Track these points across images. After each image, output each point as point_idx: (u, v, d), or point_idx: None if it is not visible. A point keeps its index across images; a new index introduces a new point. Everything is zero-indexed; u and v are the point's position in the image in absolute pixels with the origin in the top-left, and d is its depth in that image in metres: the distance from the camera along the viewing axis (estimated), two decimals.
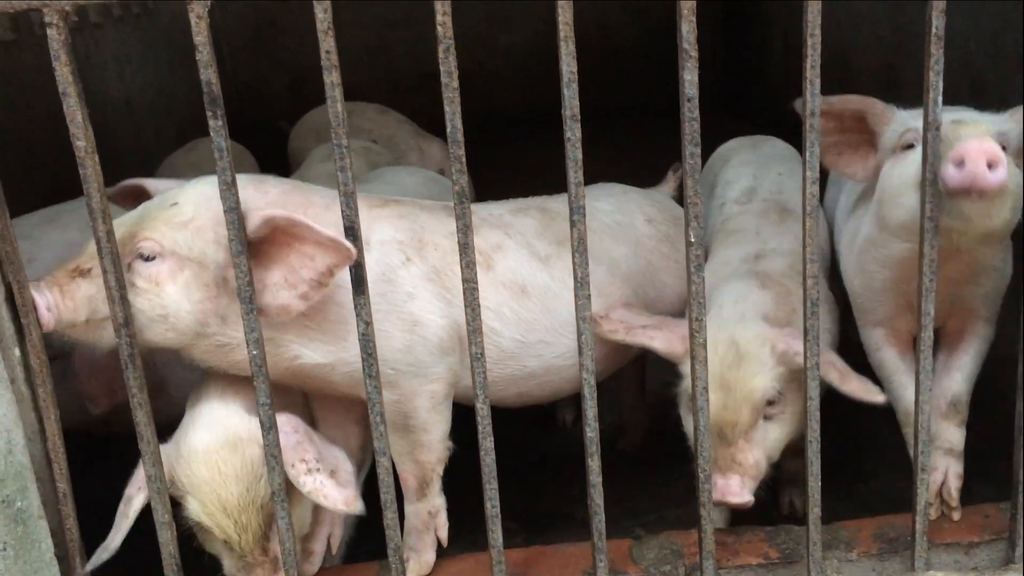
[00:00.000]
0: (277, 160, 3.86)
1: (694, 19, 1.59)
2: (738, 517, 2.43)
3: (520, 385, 2.14)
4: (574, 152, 1.65)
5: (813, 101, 1.65)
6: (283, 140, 4.71)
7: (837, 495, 2.37)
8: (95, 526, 1.91)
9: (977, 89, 4.28)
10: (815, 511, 1.86)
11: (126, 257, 1.77)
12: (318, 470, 1.87)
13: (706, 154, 3.00)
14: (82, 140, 1.58)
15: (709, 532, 1.86)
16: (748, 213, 2.54)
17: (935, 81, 1.66)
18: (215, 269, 1.79)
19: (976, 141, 1.72)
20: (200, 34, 1.52)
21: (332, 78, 1.56)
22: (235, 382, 1.94)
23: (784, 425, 2.09)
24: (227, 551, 1.89)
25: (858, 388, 2.04)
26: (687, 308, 1.78)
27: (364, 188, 2.32)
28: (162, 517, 1.77)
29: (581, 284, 1.71)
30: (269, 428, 1.73)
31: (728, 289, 2.23)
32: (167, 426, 1.94)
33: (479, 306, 1.70)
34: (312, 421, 2.14)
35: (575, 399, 2.77)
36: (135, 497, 1.87)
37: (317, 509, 2.12)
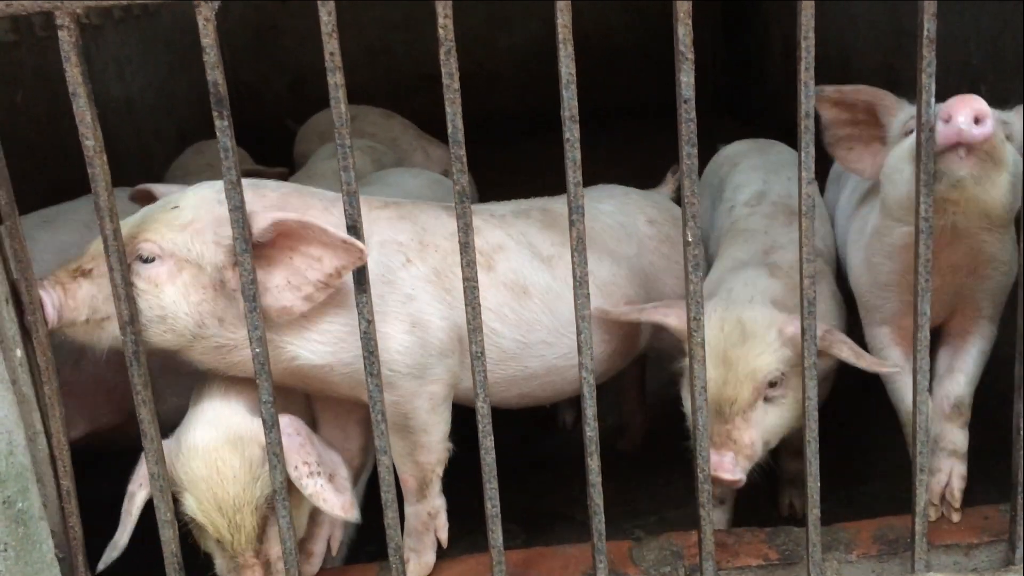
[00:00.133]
0: (277, 161, 3.87)
1: (690, 22, 1.60)
2: (738, 519, 2.43)
3: (522, 386, 2.14)
4: (573, 153, 1.65)
5: (808, 103, 1.66)
6: (283, 141, 4.73)
7: (837, 496, 2.38)
8: (97, 526, 1.92)
9: (976, 91, 4.27)
10: (814, 512, 1.87)
11: (126, 259, 1.77)
12: (319, 473, 1.88)
13: (705, 155, 3.00)
14: (91, 140, 1.60)
15: (709, 533, 1.87)
16: (757, 215, 2.56)
17: (928, 83, 1.68)
18: (213, 271, 1.80)
19: (963, 97, 1.74)
20: (207, 36, 1.54)
21: (336, 79, 1.57)
22: (238, 382, 1.95)
23: (784, 410, 2.08)
24: (219, 550, 1.90)
25: (872, 362, 2.05)
26: (677, 313, 1.78)
27: (366, 190, 2.32)
28: (164, 515, 1.78)
29: (580, 283, 1.72)
30: (272, 426, 1.74)
31: (738, 276, 2.25)
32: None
33: (479, 305, 1.71)
34: (313, 422, 2.14)
35: (576, 400, 2.77)
36: (137, 493, 1.88)
37: (317, 511, 2.13)
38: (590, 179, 2.22)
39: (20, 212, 1.71)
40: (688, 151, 1.67)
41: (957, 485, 2.10)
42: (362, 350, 1.71)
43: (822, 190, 2.85)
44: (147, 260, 1.79)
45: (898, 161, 1.95)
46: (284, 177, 3.27)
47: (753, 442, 2.04)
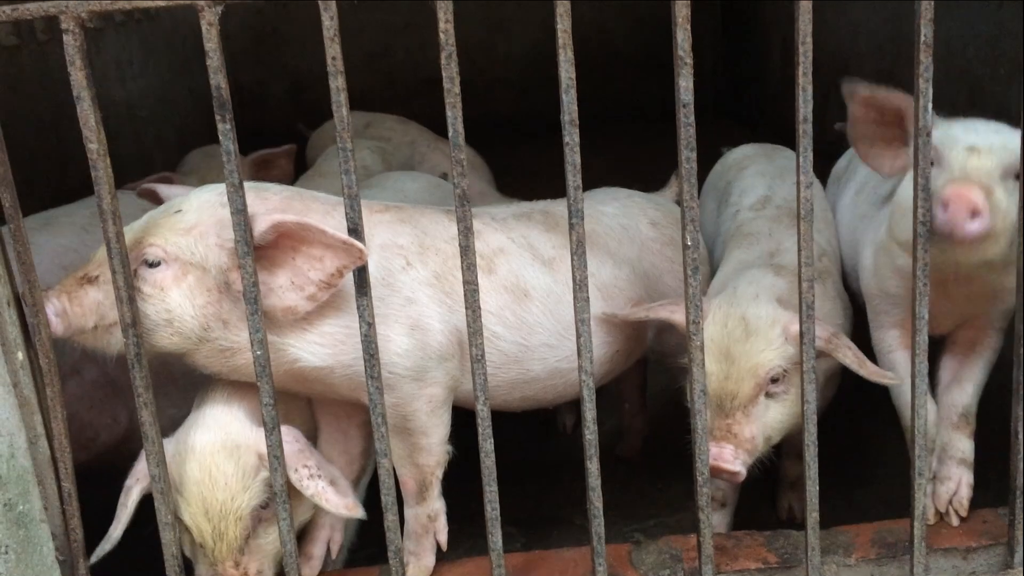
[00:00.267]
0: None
1: (689, 27, 1.61)
2: (737, 522, 2.44)
3: (524, 389, 2.15)
4: (573, 156, 1.66)
5: (806, 107, 1.67)
6: (284, 144, 4.73)
7: (836, 500, 2.38)
8: (98, 529, 1.92)
9: (975, 96, 4.29)
10: (813, 516, 1.87)
11: (132, 264, 1.79)
12: (319, 476, 1.89)
13: (705, 159, 3.01)
14: (95, 143, 1.60)
15: (708, 537, 1.87)
16: (761, 218, 2.58)
17: (925, 88, 1.69)
18: (217, 274, 1.81)
19: (962, 190, 1.77)
20: (211, 40, 1.55)
21: (338, 83, 1.58)
22: (241, 388, 1.96)
23: (786, 406, 2.09)
24: (201, 556, 1.90)
25: (874, 371, 2.06)
26: (684, 310, 1.79)
27: (365, 193, 2.33)
28: (165, 518, 1.78)
29: (580, 287, 1.73)
30: (272, 428, 1.74)
31: (743, 275, 2.27)
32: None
33: (480, 308, 1.72)
34: (314, 428, 2.15)
35: (576, 404, 2.78)
36: (134, 488, 1.89)
37: (317, 514, 2.13)
38: (590, 183, 2.23)
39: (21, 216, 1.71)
40: (687, 155, 1.68)
41: (965, 493, 2.11)
42: (363, 353, 1.72)
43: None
44: (153, 264, 1.81)
45: (908, 200, 1.92)
46: (292, 154, 3.30)
47: (753, 436, 2.05)
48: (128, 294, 1.68)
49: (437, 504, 2.09)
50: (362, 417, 2.11)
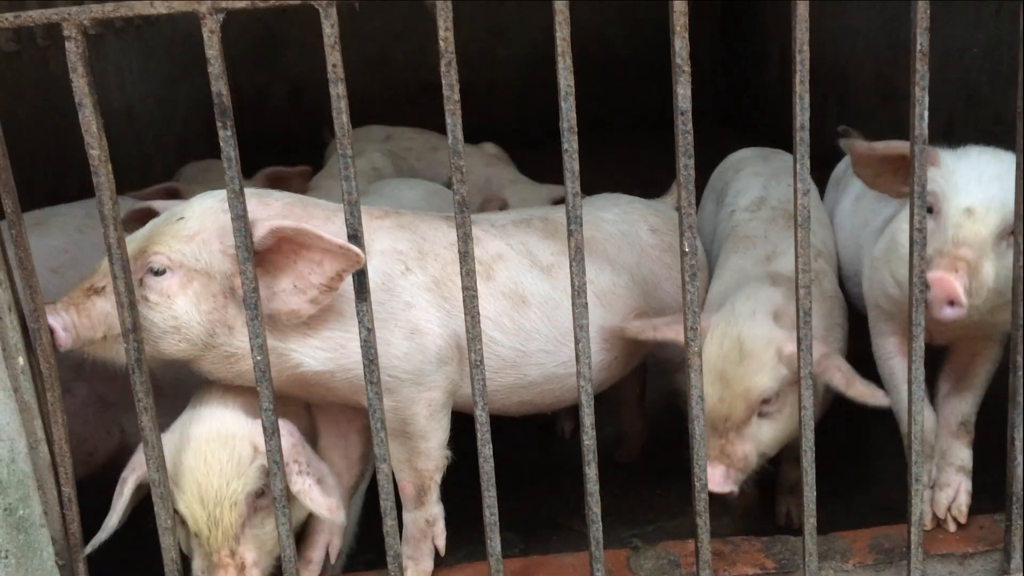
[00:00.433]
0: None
1: (686, 35, 1.62)
2: (735, 528, 2.44)
3: (521, 394, 2.16)
4: (571, 163, 1.67)
5: (803, 115, 1.69)
6: (284, 150, 4.74)
7: (833, 506, 2.38)
8: (94, 534, 1.92)
9: (973, 103, 4.31)
10: (811, 521, 1.88)
11: (137, 272, 1.81)
12: (308, 474, 1.91)
13: (703, 165, 3.03)
14: (96, 149, 1.61)
15: (706, 542, 1.87)
16: (757, 220, 2.60)
17: (921, 96, 1.70)
18: (222, 279, 1.83)
19: (944, 278, 1.82)
20: (212, 47, 1.56)
21: (338, 90, 1.59)
22: (237, 389, 1.96)
23: (779, 423, 2.13)
24: (197, 548, 1.89)
25: (863, 392, 2.07)
26: (683, 316, 1.79)
27: (363, 201, 2.34)
28: (165, 522, 1.78)
29: (579, 293, 1.74)
30: (272, 433, 1.75)
31: (741, 289, 2.29)
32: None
33: (478, 314, 1.72)
34: (313, 431, 2.15)
35: (574, 409, 2.79)
36: (129, 478, 1.90)
37: (315, 519, 2.14)
38: (589, 190, 2.24)
39: None
40: (685, 162, 1.69)
41: (964, 500, 2.12)
42: (362, 358, 1.73)
43: (821, 194, 2.89)
44: (158, 272, 1.82)
45: (904, 247, 1.92)
46: (307, 176, 3.31)
47: (746, 455, 2.10)
48: (129, 300, 1.69)
49: (435, 509, 2.10)
50: (362, 422, 2.12)
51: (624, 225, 2.40)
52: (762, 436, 2.13)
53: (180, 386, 2.10)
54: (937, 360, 2.25)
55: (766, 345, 2.11)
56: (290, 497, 1.85)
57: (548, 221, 2.27)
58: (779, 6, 6.47)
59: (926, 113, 1.72)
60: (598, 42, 7.50)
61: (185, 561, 1.89)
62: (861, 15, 5.45)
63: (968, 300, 1.83)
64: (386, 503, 1.80)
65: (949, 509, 2.12)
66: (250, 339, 1.71)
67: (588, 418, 1.79)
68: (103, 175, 1.63)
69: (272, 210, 1.90)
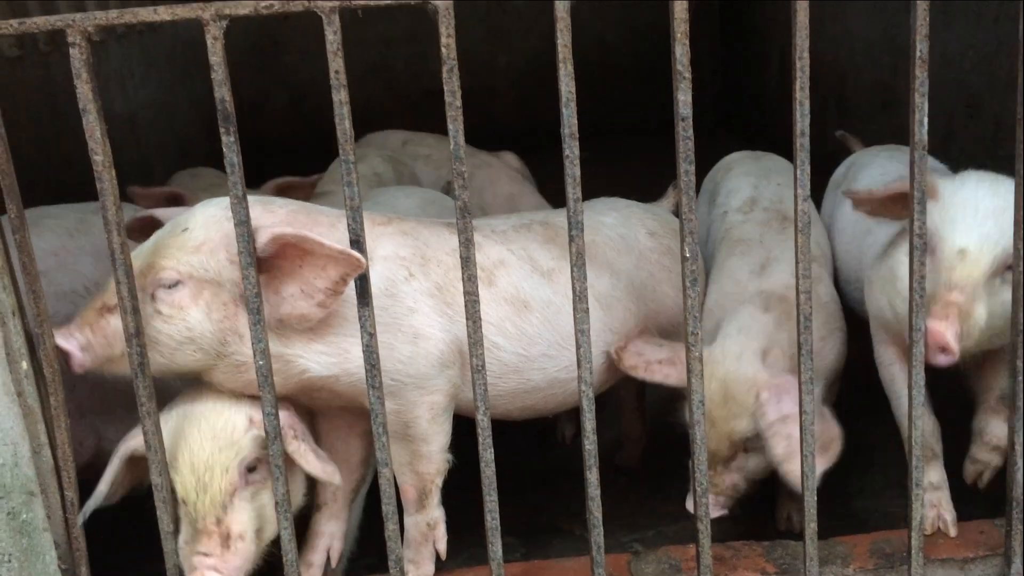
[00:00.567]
0: (275, 174, 3.90)
1: (687, 42, 1.63)
2: (735, 532, 2.44)
3: (524, 398, 2.17)
4: (572, 169, 1.68)
5: (803, 121, 1.69)
6: (286, 156, 4.75)
7: (834, 510, 2.39)
8: (100, 538, 1.93)
9: (973, 109, 4.32)
10: (812, 526, 1.88)
11: (148, 287, 1.84)
12: (304, 440, 1.94)
13: (704, 170, 3.04)
14: (100, 155, 1.62)
15: (707, 547, 1.88)
16: (751, 222, 2.62)
17: (921, 102, 1.71)
18: (231, 287, 1.84)
19: (936, 328, 1.86)
20: (215, 54, 1.57)
21: (340, 96, 1.60)
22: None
23: (765, 456, 2.18)
24: (184, 517, 1.88)
25: (792, 475, 2.07)
26: (683, 322, 1.80)
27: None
28: (167, 526, 1.79)
29: (580, 298, 1.74)
30: (275, 438, 1.75)
31: (734, 317, 2.32)
32: None
33: (480, 319, 1.73)
34: (315, 435, 2.16)
35: (575, 414, 2.79)
36: (122, 447, 1.91)
37: (317, 522, 2.15)
38: (588, 196, 2.24)
39: None
40: (686, 168, 1.70)
41: (988, 476, 2.17)
42: (364, 363, 1.74)
43: (819, 198, 2.91)
44: (170, 286, 1.84)
45: (904, 281, 1.97)
46: (315, 186, 3.30)
47: (734, 484, 2.22)
48: (132, 304, 1.69)
49: (437, 512, 2.10)
50: (363, 426, 2.13)
51: (623, 228, 2.42)
52: (749, 466, 2.22)
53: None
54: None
55: (748, 390, 2.17)
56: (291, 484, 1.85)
57: (548, 226, 2.28)
58: (778, 11, 6.49)
59: (926, 119, 1.73)
60: (598, 48, 7.52)
61: None
62: (860, 21, 5.47)
63: (960, 344, 1.88)
64: (387, 507, 1.80)
65: (976, 484, 2.15)
66: (252, 343, 1.72)
67: (589, 423, 1.80)
68: (107, 180, 1.64)
69: (276, 217, 1.92)
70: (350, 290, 1.79)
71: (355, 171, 1.66)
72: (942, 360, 1.89)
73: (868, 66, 5.44)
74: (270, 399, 1.74)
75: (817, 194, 2.88)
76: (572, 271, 1.74)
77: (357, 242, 1.70)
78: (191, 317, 1.84)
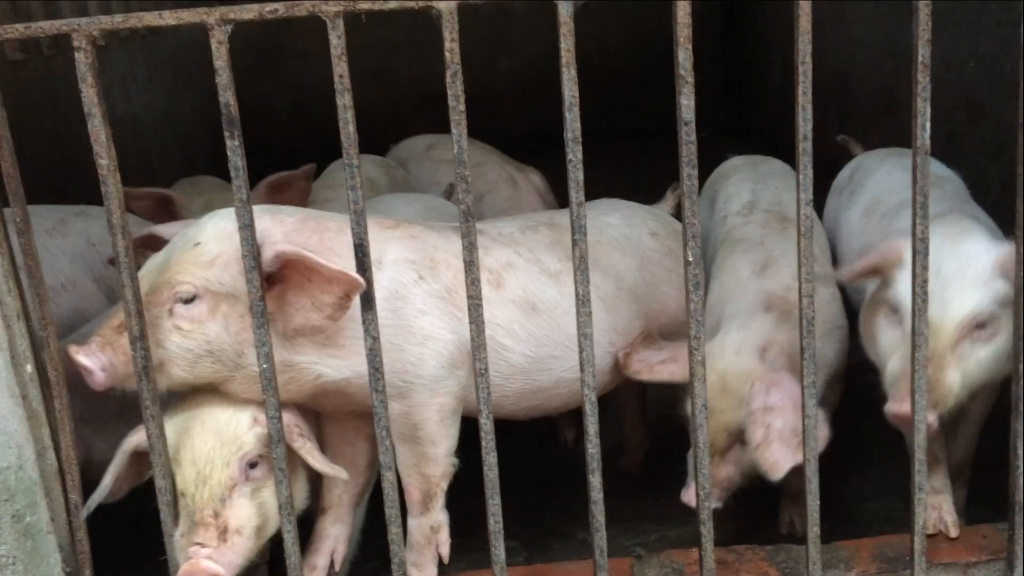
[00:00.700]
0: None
1: (690, 46, 1.63)
2: (738, 537, 2.44)
3: (531, 399, 2.18)
4: (575, 173, 1.69)
5: (805, 125, 1.70)
6: (288, 160, 4.74)
7: (836, 514, 2.39)
8: (104, 541, 1.93)
9: (974, 113, 4.32)
10: (814, 530, 1.88)
11: (165, 303, 1.85)
12: (308, 438, 1.95)
13: (706, 174, 3.05)
14: (105, 159, 1.63)
15: (709, 551, 1.88)
16: (751, 223, 2.66)
17: (923, 107, 1.71)
18: (247, 299, 1.84)
19: (900, 414, 1.92)
20: (220, 58, 1.58)
21: (345, 101, 1.61)
22: None
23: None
24: (182, 510, 1.87)
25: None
26: (686, 326, 1.80)
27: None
28: (171, 530, 1.79)
29: (583, 302, 1.75)
30: (278, 441, 1.76)
31: (735, 314, 2.35)
32: None
33: (483, 322, 1.74)
34: (322, 439, 2.16)
35: (577, 418, 2.79)
36: (127, 442, 1.92)
37: (321, 525, 2.15)
38: (590, 199, 2.25)
39: None
40: (688, 172, 1.71)
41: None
42: (368, 366, 1.74)
43: (820, 202, 2.93)
44: (187, 301, 1.86)
45: (884, 360, 2.06)
46: (311, 174, 3.28)
47: (729, 477, 2.22)
48: (137, 308, 1.70)
49: (440, 516, 2.11)
50: (369, 430, 2.13)
51: (626, 229, 2.43)
52: (744, 460, 2.22)
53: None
54: None
55: (744, 383, 2.19)
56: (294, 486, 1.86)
57: (555, 227, 2.29)
58: (780, 16, 6.50)
59: (928, 124, 1.73)
60: (599, 54, 7.53)
61: None
62: (862, 25, 5.47)
63: (935, 412, 1.91)
64: (391, 510, 1.80)
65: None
66: (256, 346, 1.73)
67: (592, 426, 1.80)
68: (111, 184, 1.64)
69: (286, 226, 1.94)
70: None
71: (359, 175, 1.66)
72: (907, 430, 1.94)
73: (869, 71, 5.44)
74: (274, 403, 1.74)
75: (818, 198, 2.90)
76: (576, 275, 1.74)
77: (361, 245, 1.71)
78: (210, 331, 1.86)
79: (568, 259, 2.16)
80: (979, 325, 1.94)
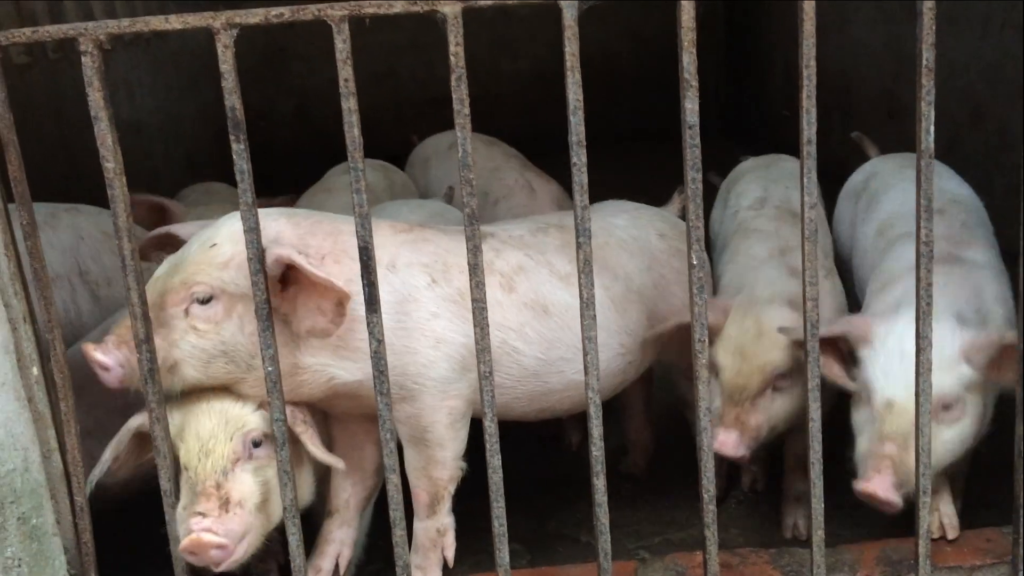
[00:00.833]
0: (284, 182, 3.91)
1: (694, 50, 1.64)
2: (742, 540, 2.44)
3: (541, 401, 2.19)
4: (580, 177, 1.69)
5: (810, 129, 1.70)
6: (291, 163, 4.77)
7: (841, 518, 2.39)
8: (109, 543, 1.93)
9: (977, 117, 4.32)
10: (819, 533, 1.88)
11: (181, 303, 1.87)
12: (312, 428, 1.97)
13: (707, 179, 3.07)
14: (111, 162, 1.64)
15: (713, 554, 1.88)
16: (763, 217, 2.78)
17: (927, 111, 1.71)
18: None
19: (871, 492, 1.96)
20: (226, 62, 1.58)
21: (349, 104, 1.61)
22: None
23: (791, 399, 2.28)
24: (184, 484, 1.87)
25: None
26: (691, 328, 1.81)
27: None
28: (175, 532, 1.79)
29: (587, 305, 1.75)
30: (283, 444, 1.76)
31: (761, 275, 2.47)
32: None
33: (488, 325, 1.74)
34: (330, 443, 2.17)
35: (582, 421, 2.79)
36: (132, 421, 1.92)
37: (327, 528, 2.15)
38: (594, 202, 2.25)
39: None
40: (693, 176, 1.71)
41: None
42: (372, 369, 1.75)
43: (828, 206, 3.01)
44: (204, 301, 1.87)
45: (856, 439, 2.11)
46: (290, 203, 3.30)
47: (759, 425, 2.27)
48: (142, 311, 1.70)
49: (447, 519, 2.11)
50: (378, 435, 2.14)
51: (635, 230, 2.44)
52: (774, 409, 2.28)
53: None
54: None
55: (781, 324, 2.24)
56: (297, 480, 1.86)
57: (564, 229, 2.30)
58: (783, 19, 6.50)
59: (932, 127, 1.73)
60: (602, 58, 7.54)
61: (194, 569, 1.90)
62: (865, 29, 5.48)
63: (901, 492, 1.95)
64: (395, 514, 1.81)
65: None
66: (261, 350, 1.73)
67: (596, 429, 1.80)
68: (117, 187, 1.65)
69: (301, 229, 1.96)
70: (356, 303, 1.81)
71: (363, 178, 1.67)
72: (888, 510, 1.97)
73: (872, 75, 5.44)
74: (279, 405, 1.74)
75: (822, 201, 2.93)
76: (580, 278, 1.75)
77: (366, 248, 1.71)
78: (225, 331, 1.87)
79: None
80: (945, 407, 2.01)
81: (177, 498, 1.82)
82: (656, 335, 2.30)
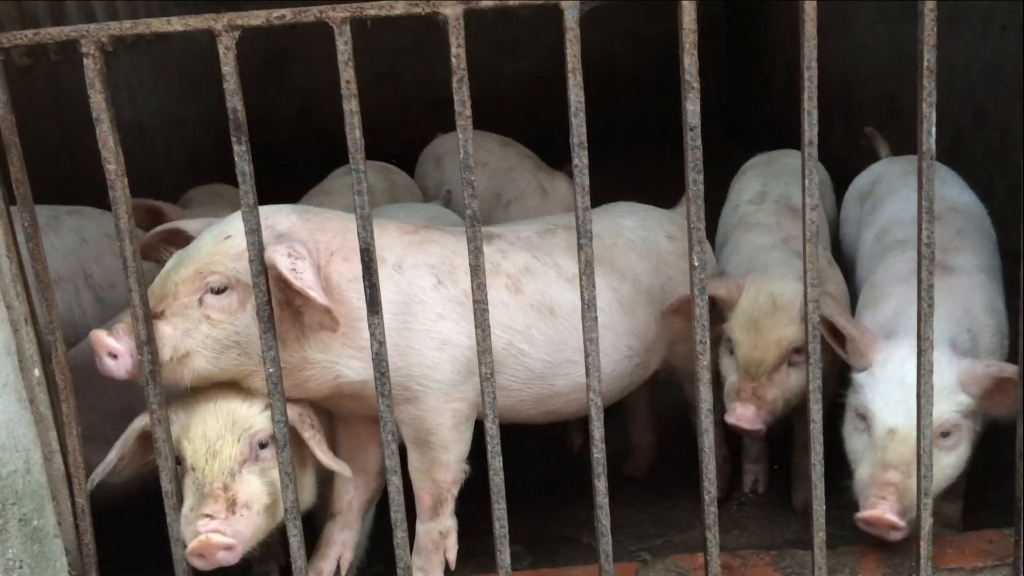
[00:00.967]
0: (286, 182, 3.91)
1: (696, 52, 1.64)
2: (744, 542, 2.44)
3: (548, 403, 2.19)
4: (581, 178, 1.69)
5: (811, 131, 1.70)
6: (292, 165, 4.77)
7: (842, 519, 2.38)
8: (110, 544, 1.93)
9: (978, 117, 4.32)
10: (820, 535, 1.88)
11: (196, 293, 1.86)
12: (319, 432, 1.97)
13: (708, 180, 3.06)
14: (113, 164, 1.64)
15: (715, 556, 1.88)
16: (764, 211, 2.85)
17: (928, 112, 1.71)
18: (277, 292, 1.86)
19: (875, 521, 1.96)
20: (228, 64, 1.59)
21: (351, 106, 1.61)
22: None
23: (804, 373, 2.21)
24: (190, 486, 1.87)
25: (848, 326, 2.15)
26: (693, 329, 1.81)
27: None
28: (176, 533, 1.79)
29: (588, 307, 1.75)
30: (284, 446, 1.76)
31: (771, 259, 2.55)
32: None
33: (489, 327, 1.74)
34: (334, 445, 2.17)
35: (583, 424, 2.79)
36: (136, 422, 1.92)
37: (329, 531, 2.15)
38: (596, 204, 2.25)
39: None
40: (694, 177, 1.71)
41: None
42: (373, 370, 1.75)
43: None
44: (218, 291, 1.86)
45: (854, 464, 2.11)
46: None
47: (775, 399, 2.31)
48: (144, 312, 1.71)
49: (450, 521, 2.11)
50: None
51: (643, 232, 2.44)
52: (790, 383, 2.31)
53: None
54: None
55: (795, 298, 2.28)
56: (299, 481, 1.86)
57: (571, 230, 2.28)
58: (784, 20, 6.50)
59: (933, 129, 1.73)
60: (603, 60, 7.54)
61: (196, 571, 1.90)
62: (867, 31, 5.48)
63: (905, 518, 1.94)
64: (396, 515, 1.81)
65: None
66: (262, 352, 1.73)
67: (598, 431, 1.80)
68: (119, 189, 1.65)
69: (311, 225, 1.96)
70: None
71: (365, 179, 1.67)
72: (895, 536, 1.96)
73: (874, 76, 5.44)
74: (279, 407, 1.74)
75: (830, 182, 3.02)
76: (581, 280, 1.75)
77: (367, 250, 1.71)
78: (239, 321, 1.86)
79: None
80: (943, 434, 2.02)
81: (179, 499, 1.82)
82: (671, 307, 2.31)
